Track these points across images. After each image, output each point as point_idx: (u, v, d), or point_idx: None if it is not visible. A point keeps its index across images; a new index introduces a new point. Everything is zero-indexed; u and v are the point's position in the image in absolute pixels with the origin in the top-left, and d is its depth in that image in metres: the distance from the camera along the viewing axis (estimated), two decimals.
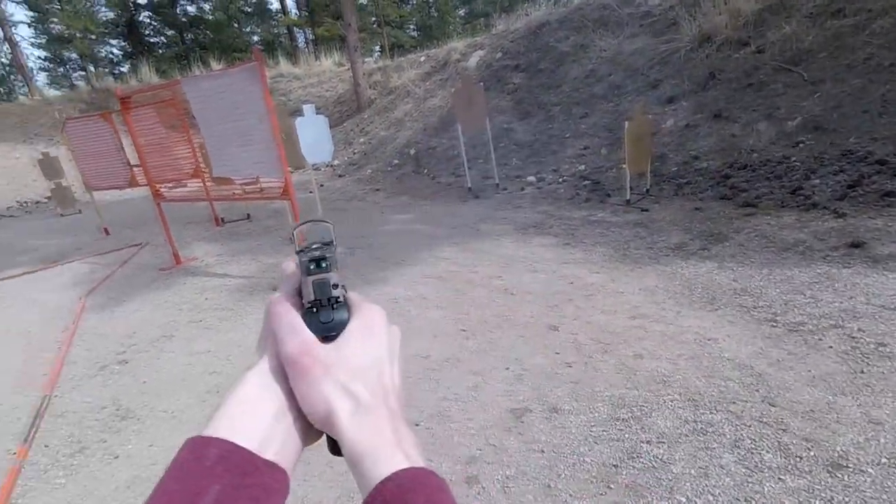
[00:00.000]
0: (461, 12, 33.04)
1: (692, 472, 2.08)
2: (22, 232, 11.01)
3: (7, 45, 25.88)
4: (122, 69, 28.86)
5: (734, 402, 2.47)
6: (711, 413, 2.42)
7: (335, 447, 0.37)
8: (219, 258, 6.49)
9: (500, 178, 7.99)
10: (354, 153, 12.90)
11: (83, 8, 27.36)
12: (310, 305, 0.40)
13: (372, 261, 5.43)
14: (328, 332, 0.39)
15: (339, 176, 12.04)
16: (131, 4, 29.13)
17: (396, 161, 11.09)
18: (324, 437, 0.39)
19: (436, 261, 5.15)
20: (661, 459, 2.17)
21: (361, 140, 13.23)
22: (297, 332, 0.38)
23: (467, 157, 8.04)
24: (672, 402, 2.54)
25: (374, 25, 28.15)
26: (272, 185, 5.11)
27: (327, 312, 0.40)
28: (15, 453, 2.79)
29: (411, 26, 33.00)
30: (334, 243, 0.43)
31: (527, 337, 3.41)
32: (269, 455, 0.34)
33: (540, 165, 8.31)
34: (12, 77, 27.37)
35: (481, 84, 8.09)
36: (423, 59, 14.63)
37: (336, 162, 12.90)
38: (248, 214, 8.96)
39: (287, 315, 0.39)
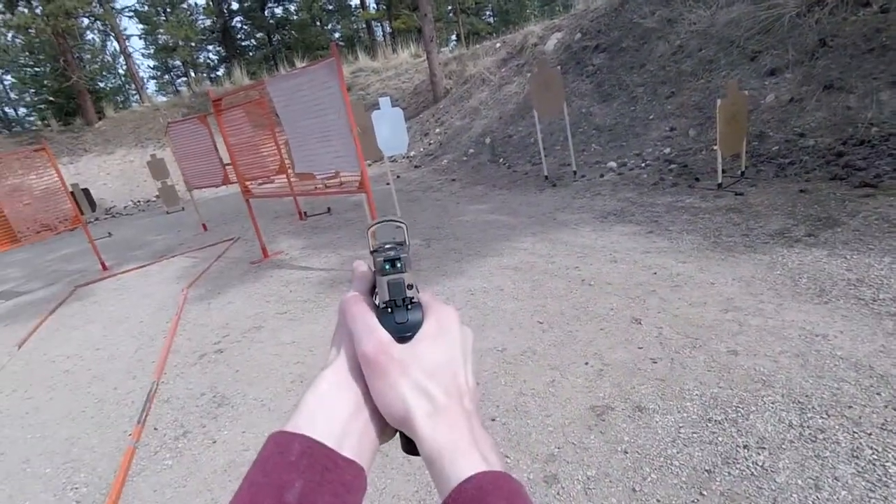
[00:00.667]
0: None
1: (800, 482, 1.87)
2: (137, 228, 12.33)
3: (122, 58, 28.93)
4: (217, 73, 31.20)
5: (850, 407, 2.20)
6: (822, 418, 2.17)
7: (409, 446, 0.38)
8: (302, 251, 6.84)
9: (578, 164, 7.71)
10: (430, 144, 13.03)
11: (184, 17, 29.86)
12: (384, 305, 0.40)
13: (448, 252, 5.46)
14: (403, 332, 0.39)
15: (416, 167, 12.23)
16: (225, 11, 31.32)
17: (472, 150, 11.05)
18: (397, 435, 0.40)
19: (512, 251, 5.07)
20: (762, 467, 1.98)
21: (437, 130, 13.33)
22: (373, 332, 0.38)
23: (544, 145, 7.83)
24: (774, 403, 2.31)
25: (450, 14, 28.15)
26: (350, 178, 5.27)
27: (402, 313, 0.40)
28: (130, 434, 3.09)
29: (487, 12, 32.65)
30: (408, 243, 0.44)
31: (607, 330, 3.26)
32: (346, 451, 0.35)
33: (621, 150, 7.91)
34: (127, 87, 30.55)
35: (558, 67, 7.82)
36: (498, 45, 14.42)
37: (412, 153, 13.12)
38: (329, 208, 9.36)
39: (363, 314, 0.40)
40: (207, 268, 6.89)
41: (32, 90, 26.55)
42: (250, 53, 32.47)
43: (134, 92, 29.57)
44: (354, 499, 0.34)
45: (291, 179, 6.75)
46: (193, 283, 6.29)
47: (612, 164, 7.47)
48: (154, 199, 16.62)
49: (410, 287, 0.41)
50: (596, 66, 10.03)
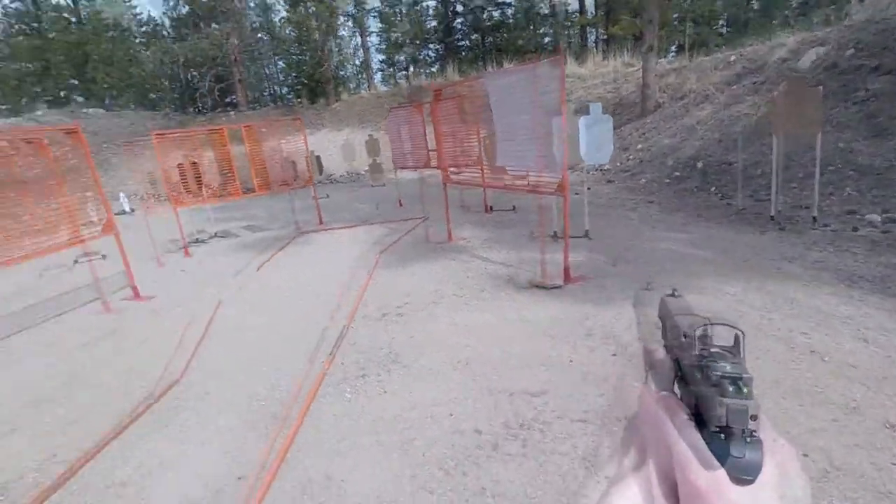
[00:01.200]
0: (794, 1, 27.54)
1: None
2: (347, 195, 14.07)
3: (361, 51, 33.40)
4: (432, 69, 33.85)
5: None
6: None
7: None
8: (484, 242, 6.95)
9: (821, 209, 6.35)
10: (629, 159, 12.20)
11: (415, 18, 33.11)
12: (718, 430, 0.32)
13: (636, 275, 4.97)
14: (740, 472, 0.31)
15: (608, 181, 11.56)
16: (450, 13, 33.79)
17: (678, 173, 10.01)
18: None
19: (715, 293, 4.37)
20: None
21: (639, 146, 12.41)
22: (706, 462, 0.32)
23: (777, 179, 6.63)
24: None
25: (676, 22, 25.96)
26: (544, 179, 5.12)
27: (740, 446, 0.32)
28: (324, 362, 3.65)
29: (721, 22, 29.33)
30: (742, 355, 0.35)
31: (841, 424, 2.55)
32: None
33: (890, 202, 6.28)
34: (359, 76, 35.18)
35: (820, 87, 6.50)
36: (733, 58, 12.78)
37: (607, 166, 12.43)
38: (514, 206, 9.38)
39: (688, 431, 0.33)
40: (398, 239, 7.49)
41: (294, 74, 32.34)
42: (463, 53, 34.49)
43: (364, 80, 33.86)
44: None
45: (485, 172, 6.89)
46: (385, 250, 6.89)
47: (875, 216, 5.95)
48: (364, 172, 18.77)
49: (755, 418, 0.32)
50: (871, 91, 8.14)
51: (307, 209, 11.38)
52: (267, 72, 35.95)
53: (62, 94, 29.23)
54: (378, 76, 36.99)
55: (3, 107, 25.94)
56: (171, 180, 8.39)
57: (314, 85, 27.19)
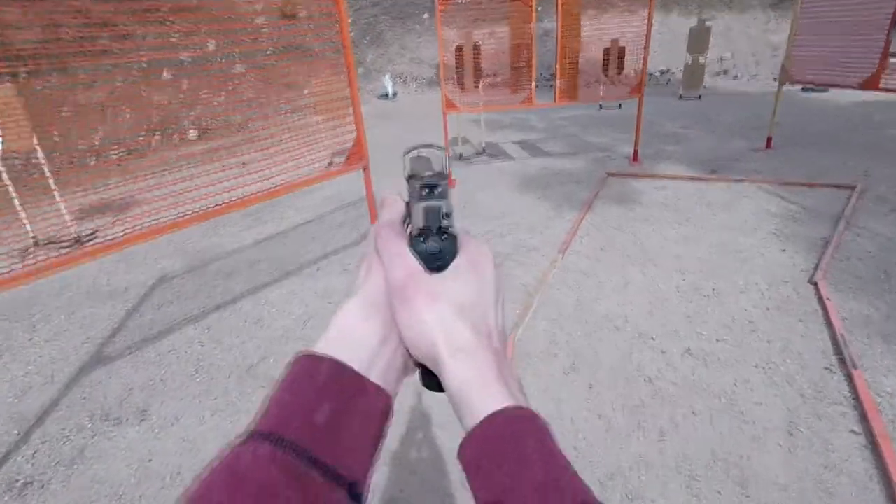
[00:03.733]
0: None
1: None
2: (651, 108, 9.91)
3: None
4: None
5: None
6: None
7: (429, 380, 0.36)
8: None
9: None
10: None
11: None
12: (418, 233, 0.37)
13: None
14: (435, 262, 0.36)
15: None
16: None
17: None
18: (416, 370, 0.38)
19: None
20: None
21: None
22: (403, 260, 0.36)
23: None
24: None
25: None
26: None
27: (435, 242, 0.36)
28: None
29: None
30: (446, 172, 0.40)
31: None
32: (373, 379, 0.34)
33: None
34: None
35: None
36: None
37: None
38: None
39: (394, 240, 0.37)
40: (836, 241, 3.61)
41: None
42: None
43: None
44: (382, 425, 0.34)
45: None
46: (824, 268, 3.18)
47: None
48: (664, 72, 13.85)
49: (448, 216, 0.37)
50: None
51: (602, 124, 7.94)
52: None
53: None
54: None
55: None
56: (447, 70, 5.81)
57: None
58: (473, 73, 5.85)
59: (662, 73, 14.01)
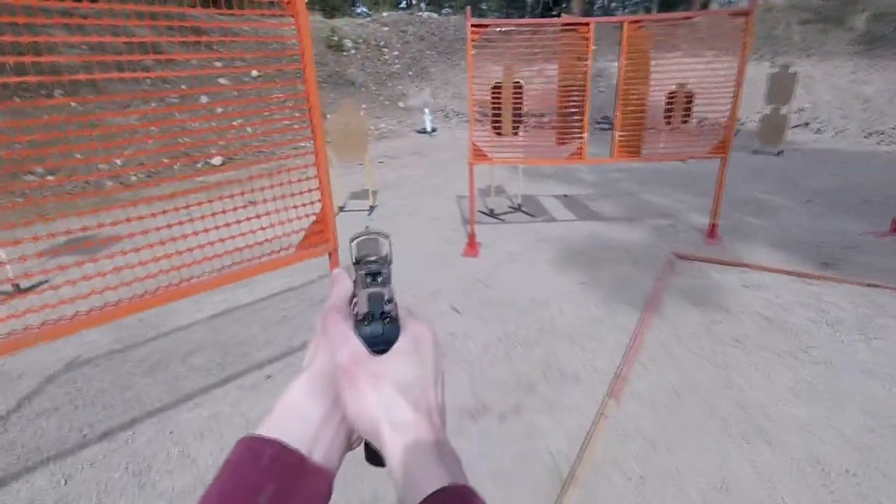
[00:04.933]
0: None
1: None
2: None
3: None
4: None
5: None
6: None
7: (372, 457, 0.38)
8: None
9: None
10: None
11: None
12: (362, 318, 0.39)
13: None
14: (378, 345, 0.38)
15: None
16: None
17: None
18: (361, 445, 0.40)
19: None
20: None
21: None
22: (348, 342, 0.38)
23: None
24: None
25: None
26: None
27: (378, 326, 0.39)
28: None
29: None
30: (390, 258, 0.43)
31: None
32: (316, 456, 0.35)
33: None
34: None
35: None
36: None
37: None
38: None
39: (339, 324, 0.39)
40: None
41: None
42: None
43: None
44: None
45: None
46: None
47: None
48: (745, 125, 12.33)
49: (389, 301, 0.40)
50: None
51: (663, 181, 6.67)
52: None
53: None
54: None
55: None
56: (479, 109, 4.75)
57: None
58: (512, 116, 4.76)
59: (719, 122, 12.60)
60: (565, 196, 6.59)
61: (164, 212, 2.04)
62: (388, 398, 0.36)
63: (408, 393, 0.36)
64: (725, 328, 3.14)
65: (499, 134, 4.83)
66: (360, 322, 0.39)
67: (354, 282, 0.43)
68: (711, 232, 4.81)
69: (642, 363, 2.75)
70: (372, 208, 6.08)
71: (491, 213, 5.80)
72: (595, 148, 4.87)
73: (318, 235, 2.21)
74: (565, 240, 4.89)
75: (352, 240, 0.44)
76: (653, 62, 4.44)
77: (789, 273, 3.92)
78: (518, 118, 4.80)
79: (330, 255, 2.30)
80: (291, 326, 3.25)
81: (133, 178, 7.49)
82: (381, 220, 5.74)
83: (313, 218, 2.21)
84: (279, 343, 3.08)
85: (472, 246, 4.59)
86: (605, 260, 4.37)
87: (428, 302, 3.61)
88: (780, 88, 9.30)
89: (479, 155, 4.46)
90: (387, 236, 0.44)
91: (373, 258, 0.42)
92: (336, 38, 17.39)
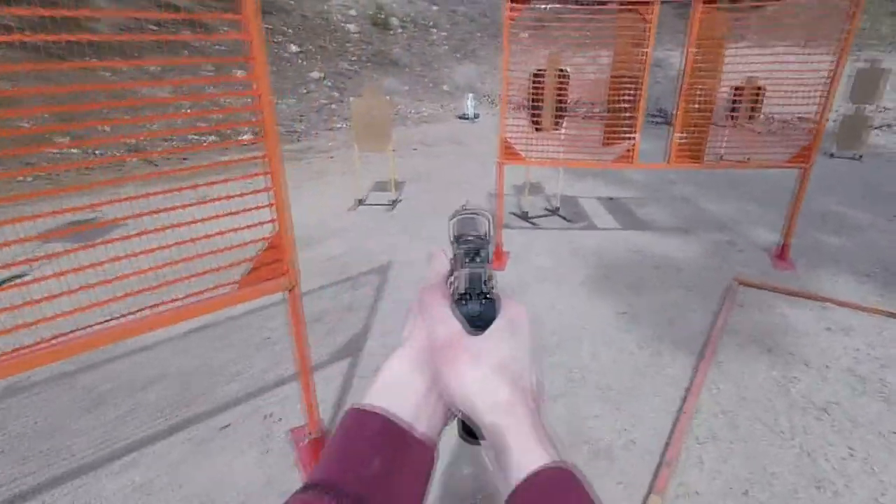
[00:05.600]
0: None
1: None
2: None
3: None
4: None
5: None
6: None
7: (467, 432, 0.38)
8: None
9: None
10: None
11: None
12: (460, 297, 0.40)
13: None
14: (476, 324, 0.39)
15: None
16: None
17: None
18: (454, 421, 0.39)
19: None
20: None
21: None
22: (446, 321, 0.39)
23: None
24: None
25: None
26: None
27: (476, 305, 0.39)
28: None
29: None
30: (490, 236, 0.44)
31: None
32: (419, 429, 0.36)
33: None
34: None
35: None
36: None
37: None
38: None
39: (437, 303, 0.40)
40: None
41: None
42: None
43: None
44: (427, 476, 0.36)
45: None
46: None
47: None
48: (803, 120, 11.18)
49: (489, 281, 0.40)
50: None
51: (725, 184, 5.91)
52: None
53: None
54: None
55: None
56: (515, 99, 4.15)
57: None
58: (555, 109, 4.14)
59: (800, 120, 11.35)
60: (610, 199, 5.91)
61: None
62: (486, 377, 0.36)
63: (506, 373, 0.36)
64: (805, 388, 2.49)
65: (538, 128, 4.23)
66: (458, 301, 0.39)
67: (452, 259, 0.44)
68: (782, 254, 4.07)
69: (697, 439, 2.16)
70: (394, 202, 5.61)
71: (524, 216, 5.22)
72: (647, 144, 4.18)
73: (271, 268, 1.72)
74: (605, 254, 4.27)
75: (451, 217, 0.44)
76: (727, 52, 3.71)
77: (884, 314, 3.19)
78: (561, 111, 4.18)
79: (290, 291, 1.79)
80: (271, 354, 2.79)
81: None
82: (402, 216, 5.26)
83: (264, 244, 1.71)
84: (251, 376, 2.61)
85: (497, 257, 4.05)
86: (650, 283, 3.74)
87: None
88: (867, 86, 8.17)
89: (510, 154, 3.89)
90: (487, 215, 0.45)
91: (471, 236, 0.43)
92: (382, 16, 16.89)
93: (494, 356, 0.37)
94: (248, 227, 1.69)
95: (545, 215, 5.31)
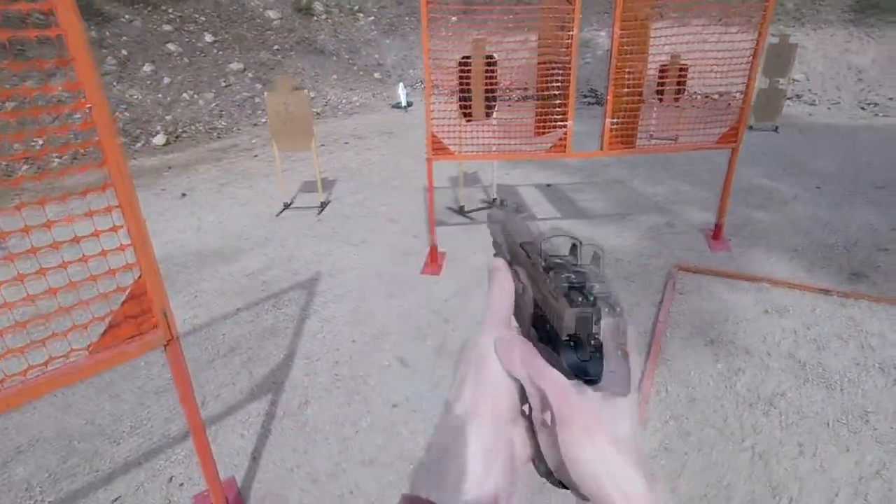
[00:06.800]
0: None
1: None
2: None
3: None
4: None
5: None
6: None
7: (552, 475, 0.32)
8: None
9: None
10: None
11: None
12: (567, 339, 0.31)
13: None
14: (585, 376, 0.30)
15: None
16: None
17: None
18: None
19: None
20: None
21: None
22: (551, 377, 0.30)
23: None
24: None
25: None
26: None
27: (585, 350, 0.30)
28: None
29: None
30: (601, 272, 0.32)
31: None
32: None
33: None
34: None
35: None
36: None
37: None
38: None
39: (528, 354, 0.32)
40: None
41: None
42: None
43: None
44: None
45: None
46: None
47: None
48: (723, 95, 11.65)
49: (598, 322, 0.30)
50: None
51: (657, 165, 5.94)
52: None
53: None
54: None
55: None
56: (444, 86, 3.89)
57: None
58: (484, 97, 3.92)
59: (721, 95, 11.81)
60: (548, 186, 5.80)
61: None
62: (608, 457, 0.28)
63: (628, 450, 0.29)
64: (750, 380, 2.43)
65: (468, 119, 3.99)
66: (564, 345, 0.31)
67: (526, 284, 0.36)
68: (716, 234, 4.09)
69: (649, 453, 2.03)
70: (323, 205, 5.22)
71: (461, 211, 4.99)
72: (581, 126, 4.03)
73: (135, 322, 1.37)
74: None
75: (541, 239, 0.35)
76: (652, 32, 3.61)
77: (815, 290, 3.22)
78: (492, 99, 3.97)
79: (165, 347, 1.45)
80: (173, 399, 2.40)
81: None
82: (331, 221, 4.89)
83: (122, 295, 1.36)
84: (149, 431, 2.24)
85: (433, 261, 3.79)
86: None
87: (368, 349, 2.83)
88: (778, 60, 8.53)
89: (439, 149, 3.62)
90: (593, 247, 0.34)
91: (575, 264, 0.33)
92: (304, 1, 16.01)
93: (613, 427, 0.29)
94: (94, 277, 1.33)
95: (483, 207, 5.11)
